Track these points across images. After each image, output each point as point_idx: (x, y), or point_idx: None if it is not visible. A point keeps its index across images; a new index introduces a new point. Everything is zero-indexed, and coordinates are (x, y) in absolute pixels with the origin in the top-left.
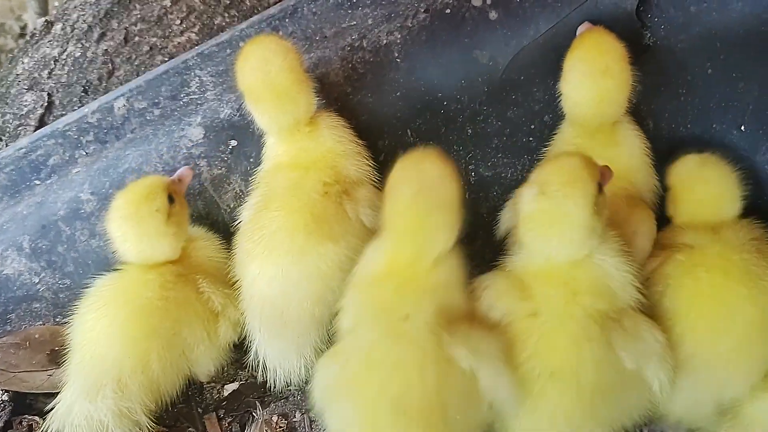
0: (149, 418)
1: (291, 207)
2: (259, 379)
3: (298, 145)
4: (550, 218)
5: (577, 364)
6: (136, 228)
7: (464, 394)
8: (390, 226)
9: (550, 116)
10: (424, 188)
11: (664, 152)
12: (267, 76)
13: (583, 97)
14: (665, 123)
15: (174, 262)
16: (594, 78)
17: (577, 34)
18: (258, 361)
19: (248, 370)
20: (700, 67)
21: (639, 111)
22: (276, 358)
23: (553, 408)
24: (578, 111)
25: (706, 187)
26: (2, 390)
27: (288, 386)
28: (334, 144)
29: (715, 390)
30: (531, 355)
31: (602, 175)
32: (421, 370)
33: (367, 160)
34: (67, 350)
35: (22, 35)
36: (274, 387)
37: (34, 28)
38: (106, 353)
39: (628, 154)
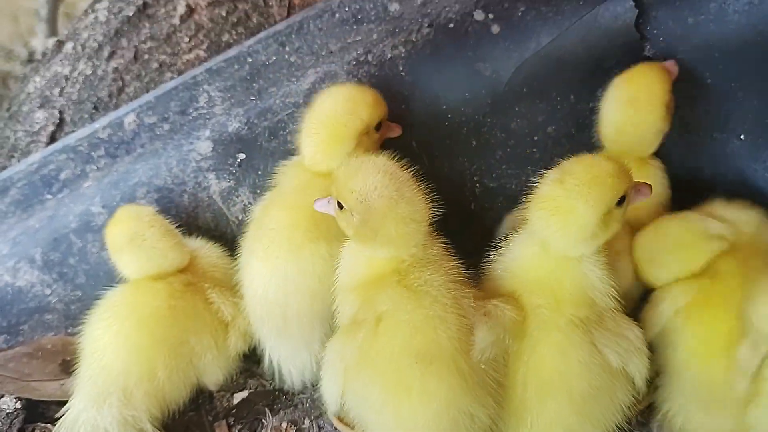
0: (155, 427)
1: (293, 206)
2: (272, 385)
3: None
4: (557, 207)
5: (566, 371)
6: (144, 246)
7: None
8: (385, 232)
9: (554, 127)
10: (399, 183)
11: (664, 162)
12: (321, 116)
13: (608, 121)
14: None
15: (182, 271)
16: (620, 105)
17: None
18: (273, 366)
19: (258, 379)
20: (699, 77)
21: None
22: (288, 358)
23: (549, 419)
24: (603, 132)
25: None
26: (15, 398)
27: (303, 389)
28: None
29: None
30: (520, 371)
31: (636, 191)
32: (443, 321)
33: None
34: (78, 360)
35: (30, 60)
36: (292, 388)
37: (46, 48)
38: (113, 362)
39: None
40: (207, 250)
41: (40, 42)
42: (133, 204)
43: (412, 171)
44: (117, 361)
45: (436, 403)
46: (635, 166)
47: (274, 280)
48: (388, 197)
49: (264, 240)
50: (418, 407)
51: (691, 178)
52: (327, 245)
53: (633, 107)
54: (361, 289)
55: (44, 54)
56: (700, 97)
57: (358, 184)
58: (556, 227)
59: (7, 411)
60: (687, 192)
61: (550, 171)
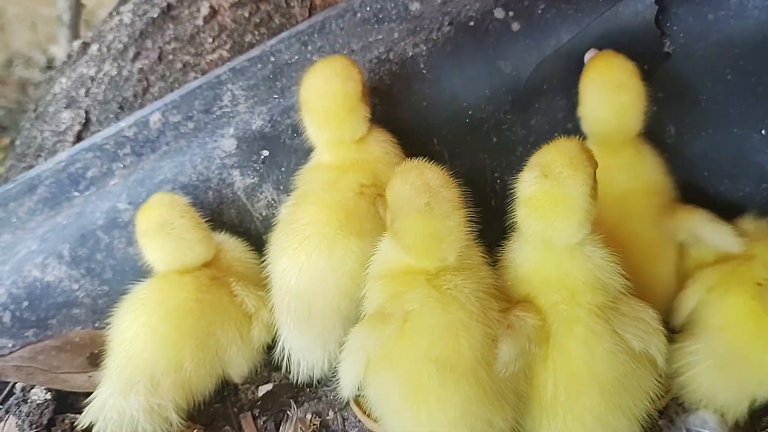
0: (180, 416)
1: (324, 202)
2: (292, 377)
3: (344, 153)
4: (552, 199)
5: (593, 363)
6: (172, 234)
7: None
8: (405, 238)
9: (573, 124)
10: (433, 197)
11: (686, 158)
12: (326, 98)
13: (603, 115)
14: (686, 129)
15: (207, 265)
16: (610, 94)
17: (585, 60)
18: (283, 355)
19: (282, 372)
20: (720, 73)
21: (660, 118)
22: (300, 350)
23: (580, 412)
24: (600, 130)
25: None
26: (45, 389)
27: (311, 381)
28: (381, 154)
29: (753, 386)
30: (549, 368)
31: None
32: (467, 329)
33: None
34: (105, 353)
35: (49, 67)
36: (297, 380)
37: (71, 50)
38: (141, 352)
39: (651, 169)
40: (231, 245)
41: (63, 47)
42: (168, 192)
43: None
44: (144, 351)
45: (453, 412)
46: (632, 149)
47: (307, 275)
48: (416, 207)
49: (297, 236)
50: (435, 414)
51: (711, 173)
52: (359, 241)
53: (623, 93)
54: (388, 279)
55: (69, 56)
56: (721, 93)
57: (398, 185)
58: (558, 219)
59: (38, 402)
60: (708, 188)
61: (522, 175)
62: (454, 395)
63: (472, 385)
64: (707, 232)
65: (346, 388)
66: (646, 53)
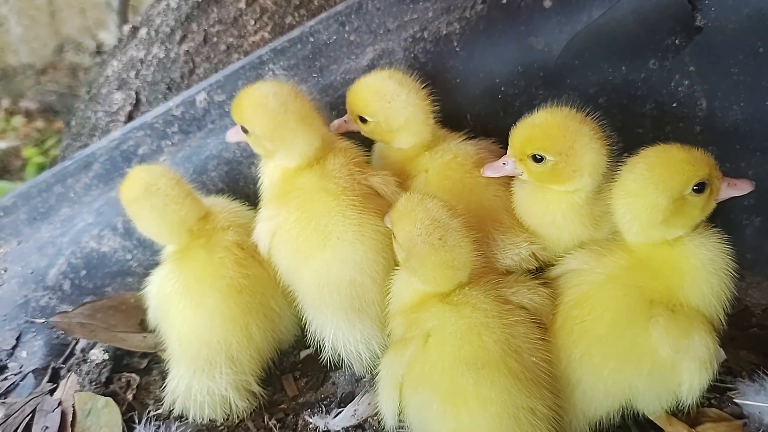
0: (261, 386)
1: (326, 196)
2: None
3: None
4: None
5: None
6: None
7: (532, 337)
8: (424, 273)
9: (605, 98)
10: (445, 231)
11: (717, 131)
12: (283, 118)
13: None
14: (718, 102)
15: (224, 230)
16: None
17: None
18: (339, 351)
19: (342, 371)
20: (752, 46)
21: (692, 92)
22: (360, 342)
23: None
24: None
25: None
26: (103, 350)
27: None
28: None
29: None
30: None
31: None
32: (487, 326)
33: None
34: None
35: (98, 52)
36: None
37: (121, 35)
38: (210, 334)
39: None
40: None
41: (112, 32)
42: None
43: (461, 219)
44: (214, 333)
45: (494, 406)
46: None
47: (345, 265)
48: (431, 244)
49: (318, 234)
50: (477, 412)
51: (743, 146)
52: (379, 220)
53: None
54: (408, 312)
55: (120, 39)
56: (752, 66)
57: (408, 225)
58: None
59: (97, 362)
60: (739, 160)
61: None
62: (490, 390)
63: (506, 376)
64: None
65: (388, 417)
66: (678, 27)
